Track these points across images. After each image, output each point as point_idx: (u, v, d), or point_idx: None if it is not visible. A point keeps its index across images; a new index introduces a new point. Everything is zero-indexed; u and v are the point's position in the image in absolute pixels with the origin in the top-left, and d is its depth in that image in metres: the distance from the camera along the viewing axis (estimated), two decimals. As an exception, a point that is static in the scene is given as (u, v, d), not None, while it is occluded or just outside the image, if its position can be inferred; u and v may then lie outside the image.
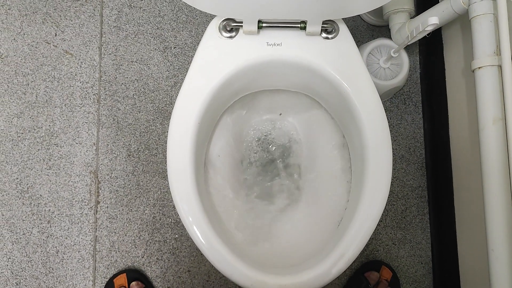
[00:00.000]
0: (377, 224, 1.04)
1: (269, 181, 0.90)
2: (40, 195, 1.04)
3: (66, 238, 1.03)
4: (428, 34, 0.80)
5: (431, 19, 0.72)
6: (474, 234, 0.89)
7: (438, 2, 0.86)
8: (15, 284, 1.01)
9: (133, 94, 1.08)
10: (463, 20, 0.89)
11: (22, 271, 1.02)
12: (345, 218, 0.74)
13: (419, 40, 1.07)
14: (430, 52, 1.06)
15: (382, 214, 1.05)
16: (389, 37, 0.98)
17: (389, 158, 0.70)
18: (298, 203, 0.87)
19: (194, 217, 0.68)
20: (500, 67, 0.72)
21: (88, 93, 1.07)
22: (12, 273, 1.01)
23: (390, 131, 1.07)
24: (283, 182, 0.89)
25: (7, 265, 1.02)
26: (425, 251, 1.05)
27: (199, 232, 0.67)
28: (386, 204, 1.05)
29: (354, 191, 0.75)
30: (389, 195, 1.05)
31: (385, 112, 1.07)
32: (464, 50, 0.89)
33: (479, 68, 0.73)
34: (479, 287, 0.88)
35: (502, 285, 0.70)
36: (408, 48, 1.07)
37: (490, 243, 0.71)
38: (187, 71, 0.73)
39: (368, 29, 1.10)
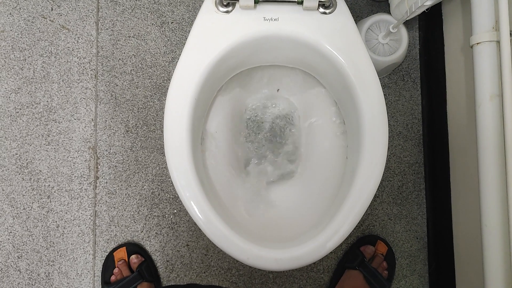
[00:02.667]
0: (374, 200, 1.06)
1: (266, 156, 0.90)
2: (40, 171, 1.04)
3: (66, 213, 1.04)
4: (427, 9, 0.79)
5: (430, -6, 0.71)
6: (468, 210, 0.90)
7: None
8: (16, 258, 1.03)
9: (131, 70, 1.07)
10: (463, -5, 0.88)
11: (23, 245, 1.03)
12: (341, 193, 0.75)
13: (418, 15, 1.06)
14: (429, 27, 1.05)
15: (379, 190, 1.06)
16: (389, 12, 0.96)
17: (385, 134, 0.70)
18: (295, 178, 0.88)
19: (191, 192, 0.68)
20: (498, 42, 0.71)
21: (85, 68, 1.07)
22: (14, 246, 1.03)
23: (388, 107, 1.07)
24: (280, 157, 0.90)
25: (9, 239, 1.03)
26: (420, 226, 1.06)
27: (196, 207, 0.68)
28: (382, 180, 1.06)
29: (350, 166, 0.76)
30: (386, 171, 1.07)
31: (384, 88, 1.07)
32: (463, 25, 0.89)
33: (477, 43, 0.73)
34: (472, 261, 0.89)
35: (494, 260, 0.71)
36: (407, 24, 1.06)
37: (483, 219, 0.72)
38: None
39: (367, 4, 1.09)
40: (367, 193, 0.69)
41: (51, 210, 1.04)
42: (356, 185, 0.69)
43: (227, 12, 0.73)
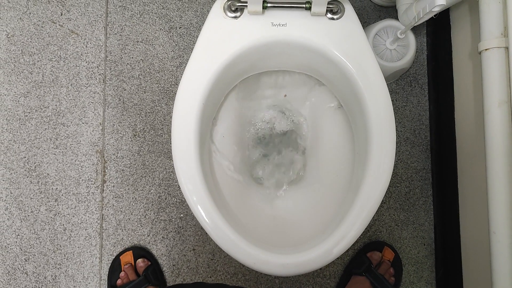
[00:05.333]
0: (381, 206, 1.05)
1: (273, 161, 0.90)
2: (48, 174, 1.05)
3: (73, 216, 1.04)
4: (435, 15, 0.79)
5: (438, 0, 0.71)
6: (476, 217, 0.89)
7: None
8: (24, 260, 1.03)
9: (139, 75, 1.08)
10: (471, 1, 0.88)
11: (30, 247, 1.04)
12: (348, 198, 0.74)
13: (426, 21, 1.06)
14: (437, 33, 1.04)
15: (386, 196, 1.06)
16: (396, 18, 0.96)
17: (392, 140, 0.70)
18: (302, 183, 0.88)
19: (199, 196, 0.68)
20: (507, 49, 0.71)
21: (94, 73, 1.08)
22: (21, 249, 1.04)
23: (396, 113, 1.07)
24: (287, 162, 0.90)
25: (16, 242, 1.04)
26: (427, 232, 1.05)
27: (203, 211, 0.68)
28: (390, 186, 1.06)
29: (357, 172, 0.76)
30: (393, 177, 1.06)
31: (391, 94, 1.07)
32: (471, 31, 0.88)
33: (485, 50, 0.72)
34: (480, 269, 0.89)
35: (503, 267, 0.70)
36: (415, 29, 1.06)
37: (492, 226, 0.72)
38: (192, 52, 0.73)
39: (375, 10, 1.09)
40: (374, 199, 0.69)
41: (58, 213, 1.04)
42: (363, 191, 0.69)
43: (235, 17, 0.73)
